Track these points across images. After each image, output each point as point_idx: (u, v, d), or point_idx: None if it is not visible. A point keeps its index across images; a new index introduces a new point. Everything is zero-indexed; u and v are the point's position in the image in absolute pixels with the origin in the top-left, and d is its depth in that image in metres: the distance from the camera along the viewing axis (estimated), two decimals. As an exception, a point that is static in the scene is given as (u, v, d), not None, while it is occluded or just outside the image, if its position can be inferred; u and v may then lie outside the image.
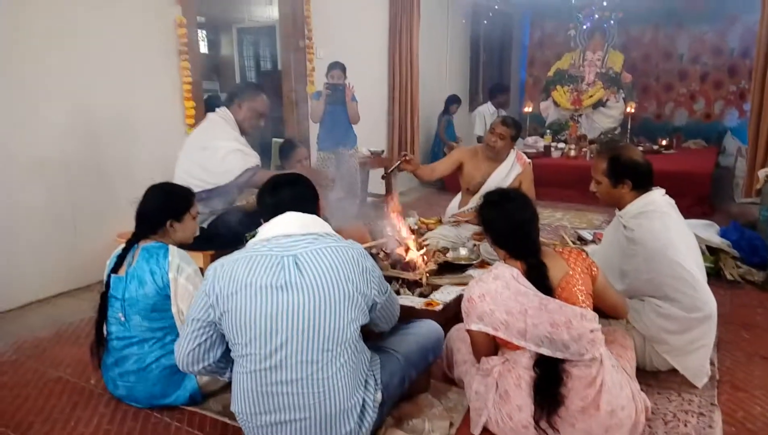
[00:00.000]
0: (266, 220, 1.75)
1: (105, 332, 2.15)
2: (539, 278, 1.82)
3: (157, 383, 2.09)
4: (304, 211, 1.74)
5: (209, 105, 3.96)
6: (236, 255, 1.69)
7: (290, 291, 1.59)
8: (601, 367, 1.79)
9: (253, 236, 1.75)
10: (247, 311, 1.60)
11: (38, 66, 3.26)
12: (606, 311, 1.89)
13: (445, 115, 7.24)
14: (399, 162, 3.45)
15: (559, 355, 1.77)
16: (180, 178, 3.03)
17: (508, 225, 1.89)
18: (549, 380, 1.77)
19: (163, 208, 2.15)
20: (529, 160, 3.65)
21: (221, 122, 3.04)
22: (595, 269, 1.93)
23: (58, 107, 3.37)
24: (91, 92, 3.53)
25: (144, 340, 2.09)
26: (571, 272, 1.85)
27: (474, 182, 3.63)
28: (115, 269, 2.12)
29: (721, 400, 2.18)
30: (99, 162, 3.60)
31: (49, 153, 3.35)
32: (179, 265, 2.07)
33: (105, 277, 2.14)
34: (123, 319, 2.09)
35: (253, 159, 2.99)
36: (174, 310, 2.07)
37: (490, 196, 2.00)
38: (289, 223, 1.70)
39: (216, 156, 2.92)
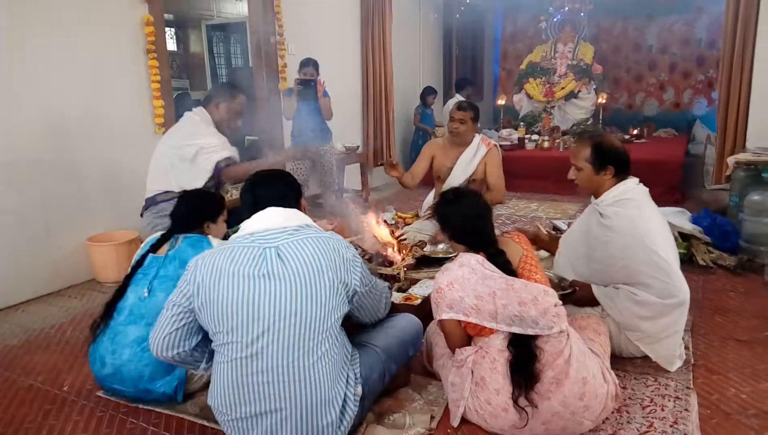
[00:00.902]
0: (248, 216, 1.77)
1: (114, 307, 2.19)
2: (502, 265, 1.91)
3: (149, 364, 2.06)
4: (285, 205, 1.77)
5: (179, 103, 3.90)
6: (218, 248, 1.72)
7: (272, 279, 1.62)
8: (568, 339, 1.86)
9: (236, 232, 1.77)
10: (230, 299, 1.61)
11: (5, 67, 3.18)
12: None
13: (422, 108, 7.28)
14: (389, 166, 3.55)
15: (530, 331, 1.83)
16: (155, 177, 2.99)
17: (463, 221, 1.98)
18: (524, 358, 1.81)
19: (201, 211, 2.33)
20: (495, 143, 3.68)
21: (195, 121, 3.04)
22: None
23: (26, 108, 3.28)
24: (60, 93, 3.45)
25: (152, 322, 2.05)
26: (525, 252, 1.96)
27: (444, 169, 3.66)
28: (153, 250, 2.22)
29: (697, 384, 2.22)
30: (70, 163, 3.52)
31: (18, 155, 3.26)
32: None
33: (137, 258, 2.23)
34: (147, 294, 2.12)
35: (225, 153, 3.00)
36: None
37: (445, 195, 2.10)
38: (270, 218, 1.73)
39: (186, 153, 2.93)
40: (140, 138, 3.85)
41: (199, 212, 2.33)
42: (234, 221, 1.99)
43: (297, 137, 4.83)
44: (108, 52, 3.71)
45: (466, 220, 1.98)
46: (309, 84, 4.65)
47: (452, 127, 3.59)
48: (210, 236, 2.28)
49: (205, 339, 1.77)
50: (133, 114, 3.89)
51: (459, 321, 1.89)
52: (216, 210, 2.39)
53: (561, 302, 1.90)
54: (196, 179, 2.94)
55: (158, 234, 2.29)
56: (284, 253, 1.64)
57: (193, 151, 2.94)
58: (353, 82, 6.51)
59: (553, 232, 4.02)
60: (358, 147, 6.00)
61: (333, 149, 5.08)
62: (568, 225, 4.18)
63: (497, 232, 2.07)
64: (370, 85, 6.58)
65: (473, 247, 1.97)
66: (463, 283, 1.86)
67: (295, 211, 1.77)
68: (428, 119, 7.36)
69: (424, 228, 3.65)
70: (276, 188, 1.82)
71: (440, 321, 1.94)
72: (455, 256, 3.06)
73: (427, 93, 7.30)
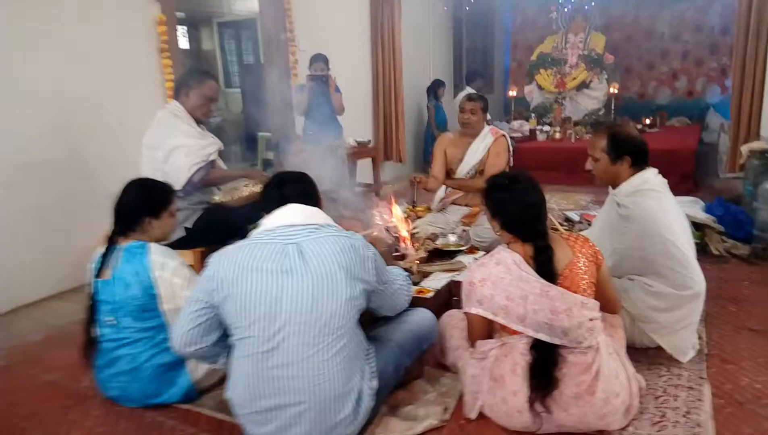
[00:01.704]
0: (269, 212, 1.79)
1: (95, 334, 2.13)
2: (545, 262, 1.81)
3: (150, 382, 2.08)
4: (306, 203, 1.80)
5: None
6: (240, 243, 1.73)
7: (293, 275, 1.64)
8: (597, 354, 1.80)
9: (256, 227, 1.78)
10: (252, 294, 1.63)
11: (18, 69, 3.21)
12: (600, 302, 1.88)
13: (434, 101, 7.24)
14: (413, 189, 3.53)
15: (556, 341, 1.78)
16: None
17: (520, 208, 1.86)
18: (545, 363, 1.78)
19: (140, 204, 2.11)
20: (504, 133, 3.67)
21: (169, 118, 2.88)
22: (601, 257, 1.92)
23: (40, 108, 3.32)
24: (74, 94, 3.48)
25: (136, 340, 2.07)
26: (574, 260, 1.84)
27: (455, 160, 3.67)
28: (99, 273, 2.09)
29: (710, 374, 2.20)
30: (85, 163, 3.55)
31: (34, 155, 3.30)
32: (162, 263, 2.05)
33: (91, 282, 2.11)
34: (114, 322, 2.07)
35: (199, 155, 2.83)
36: (162, 308, 2.06)
37: (497, 180, 1.97)
38: (292, 214, 1.75)
39: (161, 156, 2.79)
40: (154, 136, 3.89)
41: (136, 205, 2.09)
42: (242, 221, 1.96)
43: (309, 133, 4.84)
44: (121, 52, 3.74)
45: (524, 208, 1.86)
46: (320, 80, 4.65)
47: (463, 119, 3.59)
48: (152, 244, 2.08)
49: (226, 334, 1.79)
50: (147, 113, 3.89)
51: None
52: (159, 202, 2.14)
53: (599, 317, 1.82)
54: (174, 183, 2.76)
55: (100, 251, 2.11)
56: (305, 250, 1.66)
57: (163, 154, 2.78)
58: (363, 76, 6.50)
59: (565, 224, 4.01)
60: (369, 141, 6.00)
61: (344, 144, 5.08)
62: (581, 216, 4.17)
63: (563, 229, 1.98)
64: (380, 79, 6.56)
65: (524, 238, 1.87)
66: (496, 282, 1.82)
67: (317, 209, 1.81)
68: (441, 114, 7.32)
69: (436, 221, 3.65)
70: (302, 187, 1.85)
71: (467, 312, 1.93)
72: (467, 249, 3.07)
73: (437, 86, 7.26)
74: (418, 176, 3.54)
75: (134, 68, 3.82)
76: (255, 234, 1.75)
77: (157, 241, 2.15)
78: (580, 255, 1.86)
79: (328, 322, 1.63)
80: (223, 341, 1.81)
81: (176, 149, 2.78)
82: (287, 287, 1.62)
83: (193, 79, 2.92)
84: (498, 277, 1.82)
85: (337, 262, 1.66)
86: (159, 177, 2.58)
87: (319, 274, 1.64)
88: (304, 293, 1.62)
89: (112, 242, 2.11)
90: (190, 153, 2.80)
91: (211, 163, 2.92)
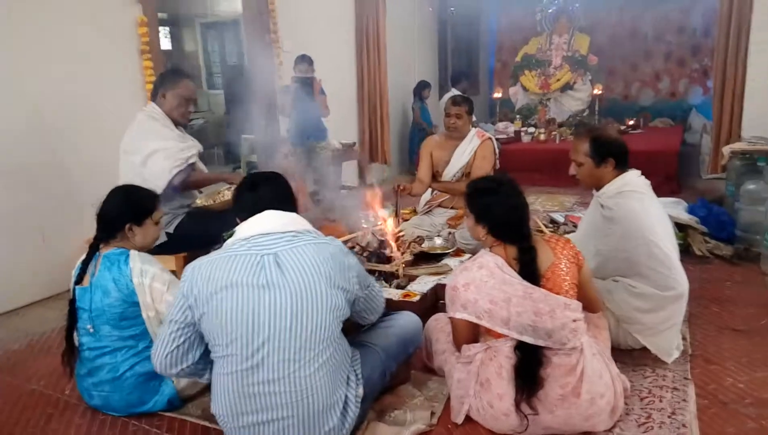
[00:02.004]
0: (243, 219, 1.74)
1: (76, 342, 2.11)
2: (528, 263, 1.83)
3: (133, 391, 2.06)
4: (282, 210, 1.73)
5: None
6: (214, 255, 1.67)
7: (271, 289, 1.59)
8: (581, 355, 1.82)
9: (231, 236, 1.73)
10: (229, 311, 1.59)
11: (-7, 70, 3.17)
12: (582, 302, 1.91)
13: (419, 102, 7.28)
14: (397, 196, 3.47)
15: (541, 343, 1.80)
16: None
17: (506, 211, 1.88)
18: (529, 364, 1.80)
19: (122, 210, 2.09)
20: (490, 136, 3.69)
21: (146, 121, 2.86)
22: (582, 258, 1.94)
23: (16, 110, 3.27)
24: (52, 95, 3.43)
25: (116, 349, 2.05)
26: (556, 261, 1.86)
27: (441, 163, 3.69)
28: (79, 279, 2.07)
29: (694, 374, 2.24)
30: (64, 167, 3.51)
31: (12, 159, 3.26)
32: (142, 269, 2.03)
33: (71, 288, 2.10)
34: (92, 330, 2.05)
35: (178, 158, 2.80)
36: (144, 315, 2.04)
37: (481, 184, 1.98)
38: (268, 222, 1.69)
39: (139, 160, 2.76)
40: (136, 139, 3.85)
41: (119, 212, 2.08)
42: (226, 225, 1.91)
43: (294, 135, 4.84)
44: (101, 54, 3.70)
45: (509, 211, 1.87)
46: (305, 82, 4.65)
47: (449, 123, 3.61)
48: (133, 251, 2.07)
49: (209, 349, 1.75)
50: (127, 116, 3.85)
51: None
52: (142, 209, 2.12)
53: (581, 317, 1.84)
54: (154, 188, 2.75)
55: (81, 259, 2.10)
56: (283, 260, 1.62)
57: (141, 158, 2.75)
58: (348, 78, 6.50)
59: (550, 226, 4.05)
60: (354, 143, 6.00)
61: (329, 146, 5.08)
62: (565, 218, 4.20)
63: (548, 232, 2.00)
64: (365, 80, 6.57)
65: (510, 241, 1.88)
66: (480, 286, 1.83)
67: (294, 215, 1.75)
68: (426, 114, 7.36)
69: (422, 224, 3.66)
70: (276, 189, 1.79)
71: (451, 317, 1.94)
72: (453, 251, 3.09)
73: (422, 87, 7.29)
74: (402, 183, 3.50)
75: (115, 70, 3.79)
76: (229, 243, 1.71)
77: (140, 249, 2.12)
78: (561, 256, 1.88)
79: (310, 336, 1.60)
80: (206, 357, 1.76)
81: (155, 153, 2.76)
82: (266, 303, 1.58)
83: (169, 79, 2.90)
84: (481, 281, 1.83)
85: (318, 271, 1.63)
86: (138, 182, 2.56)
87: (299, 287, 1.60)
88: (283, 308, 1.58)
89: (93, 249, 2.09)
90: (168, 156, 2.78)
91: (191, 166, 2.89)
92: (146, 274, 2.03)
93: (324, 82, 4.81)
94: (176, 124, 2.93)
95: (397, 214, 3.54)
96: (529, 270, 1.83)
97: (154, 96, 2.92)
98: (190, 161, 2.87)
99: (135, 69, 3.91)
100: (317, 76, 4.72)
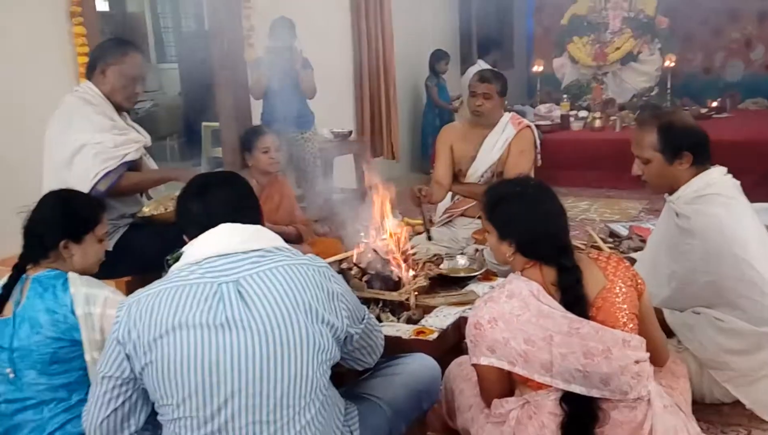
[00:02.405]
0: (192, 237, 1.72)
1: None
2: (572, 287, 1.82)
3: None
4: (243, 221, 1.72)
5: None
6: (156, 287, 1.63)
7: (234, 330, 1.56)
8: (649, 408, 1.80)
9: (177, 260, 1.70)
10: (179, 362, 1.55)
11: None
12: None
13: (435, 79, 7.31)
14: (421, 206, 3.49)
15: (595, 393, 1.77)
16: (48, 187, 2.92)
17: (536, 220, 1.88)
18: (581, 423, 1.78)
19: (56, 223, 2.09)
20: (529, 124, 3.70)
21: (78, 105, 2.86)
22: (641, 282, 1.93)
23: None
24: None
25: (42, 402, 2.03)
26: (609, 286, 1.85)
27: (465, 160, 3.68)
28: None
29: (804, 437, 2.22)
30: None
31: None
32: (88, 295, 2.02)
33: None
34: (12, 375, 2.02)
35: (111, 155, 2.79)
36: (88, 357, 2.02)
37: (500, 188, 1.99)
38: (225, 239, 1.67)
39: (62, 157, 2.76)
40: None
41: (52, 225, 2.07)
42: (174, 241, 1.89)
43: (269, 122, 4.85)
44: (18, 19, 3.72)
45: (540, 220, 1.89)
46: (285, 53, 4.67)
47: (474, 106, 3.60)
48: (72, 274, 2.06)
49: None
50: (53, 98, 3.87)
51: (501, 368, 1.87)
52: (82, 222, 2.13)
53: (646, 358, 1.82)
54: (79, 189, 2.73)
55: (1, 282, 2.08)
56: (248, 290, 1.59)
57: (67, 155, 2.75)
58: (341, 47, 6.53)
59: (610, 241, 4.04)
60: (350, 132, 6.02)
61: (316, 136, 5.09)
62: (630, 230, 4.19)
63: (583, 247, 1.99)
64: (364, 51, 6.60)
65: (544, 260, 1.88)
66: (510, 321, 1.81)
67: (258, 228, 1.73)
68: (445, 94, 7.38)
69: (440, 238, 3.65)
70: (232, 194, 1.78)
71: (476, 364, 1.93)
72: (482, 274, 3.08)
73: (437, 58, 7.31)
74: (422, 188, 3.48)
75: (35, 39, 3.81)
76: (175, 270, 1.68)
77: (80, 271, 2.11)
78: (615, 278, 1.87)
79: (289, 389, 1.57)
80: (154, 420, 1.71)
81: (84, 148, 2.76)
82: (227, 347, 1.55)
83: (110, 52, 2.90)
84: (512, 315, 1.82)
85: (294, 302, 1.59)
86: (51, 179, 2.62)
87: (271, 324, 1.56)
88: (251, 354, 1.55)
89: (19, 270, 2.08)
90: (98, 153, 2.78)
91: (126, 166, 2.88)
92: (94, 301, 2.02)
93: (309, 54, 4.82)
94: (119, 109, 2.94)
95: (428, 234, 3.48)
96: (573, 297, 1.81)
97: (90, 72, 2.93)
98: (126, 159, 2.87)
99: (63, 37, 3.93)
100: (299, 45, 4.74)
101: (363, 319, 1.82)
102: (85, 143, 2.76)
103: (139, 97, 3.04)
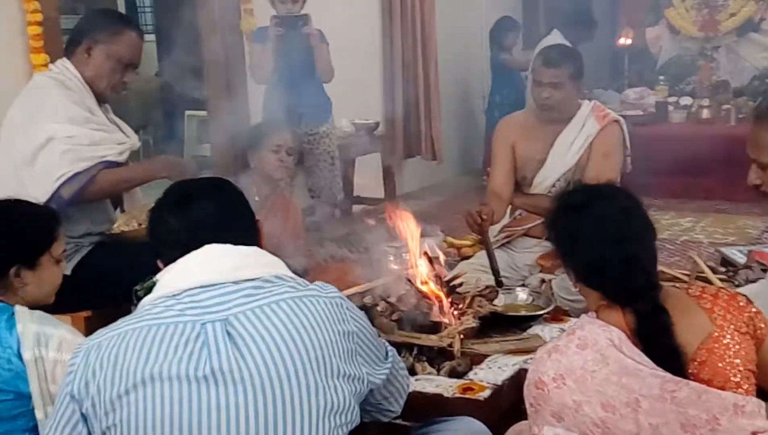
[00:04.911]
0: (169, 261, 1.74)
1: None
2: (658, 340, 1.81)
3: None
4: (235, 241, 1.73)
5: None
6: (122, 326, 1.64)
7: (222, 384, 1.56)
8: None
9: (149, 290, 1.73)
10: (150, 425, 1.55)
11: None
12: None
13: (501, 54, 7.27)
14: (485, 235, 3.42)
15: None
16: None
17: (601, 242, 1.88)
18: None
19: (1, 244, 2.14)
20: (616, 117, 3.68)
21: (49, 88, 2.93)
22: (762, 326, 1.91)
23: None
24: None
25: None
26: (716, 333, 1.83)
27: (531, 164, 3.66)
28: None
29: None
30: None
31: None
32: (39, 334, 2.06)
33: None
34: None
35: (84, 155, 2.85)
36: (40, 415, 2.05)
37: (566, 196, 2.02)
38: (212, 264, 1.69)
39: (23, 152, 2.82)
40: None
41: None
42: (144, 270, 1.89)
43: (273, 111, 4.88)
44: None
45: (605, 246, 1.87)
46: (295, 23, 4.70)
47: (541, 98, 3.55)
48: (20, 307, 2.10)
49: None
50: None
51: None
52: (36, 242, 2.20)
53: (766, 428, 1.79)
54: (38, 196, 2.74)
55: None
56: (240, 332, 1.59)
57: (29, 152, 2.83)
58: (367, 19, 6.59)
59: (721, 270, 3.99)
60: (377, 124, 6.05)
61: (334, 131, 5.13)
62: (749, 256, 4.14)
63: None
64: (397, 20, 6.65)
65: (616, 297, 1.89)
66: (583, 380, 1.81)
67: (254, 250, 1.75)
68: (514, 78, 7.29)
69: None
70: (223, 208, 1.80)
71: None
72: (549, 313, 3.06)
73: (503, 29, 7.30)
74: (483, 209, 3.38)
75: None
76: (147, 304, 1.69)
77: (33, 302, 2.17)
78: (725, 323, 1.85)
79: None
80: None
81: (51, 142, 2.81)
82: (212, 407, 1.55)
83: (101, 27, 2.98)
84: (585, 371, 1.81)
85: (301, 347, 1.59)
86: (13, 190, 2.61)
87: (268, 376, 1.56)
88: (242, 415, 1.55)
89: None
90: (70, 150, 2.84)
91: (100, 169, 2.92)
92: (47, 342, 2.06)
93: (325, 26, 4.86)
94: (100, 99, 3.02)
95: (498, 275, 3.42)
96: (662, 349, 1.81)
97: (72, 49, 3.01)
98: (103, 161, 2.92)
99: (10, 4, 4.02)
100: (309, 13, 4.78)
101: (387, 357, 1.84)
102: (53, 136, 2.82)
103: (126, 87, 3.12)
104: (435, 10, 6.88)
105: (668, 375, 1.77)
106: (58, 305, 2.82)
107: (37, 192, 2.74)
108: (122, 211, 3.15)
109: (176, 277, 1.69)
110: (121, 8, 9.25)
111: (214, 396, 1.55)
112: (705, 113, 6.96)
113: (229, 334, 1.59)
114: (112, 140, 2.96)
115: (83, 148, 2.87)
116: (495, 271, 3.33)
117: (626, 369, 1.79)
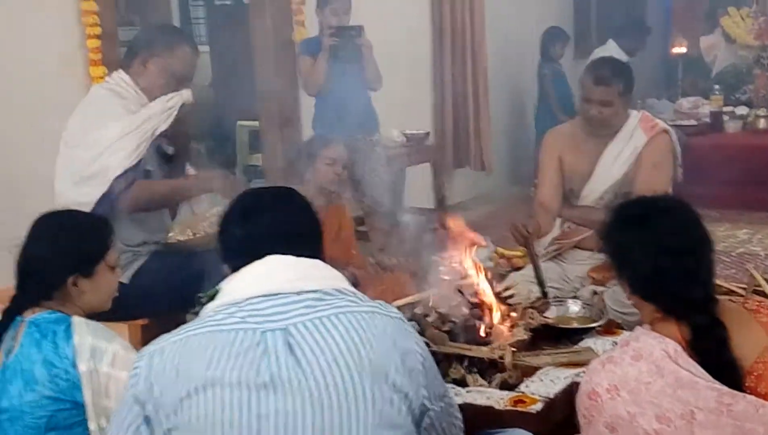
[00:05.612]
0: (234, 269, 1.76)
1: None
2: (715, 353, 1.80)
3: None
4: (299, 253, 1.74)
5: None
6: (184, 332, 1.67)
7: (280, 391, 1.58)
8: None
9: (212, 298, 1.75)
10: (210, 428, 1.58)
11: None
12: None
13: (550, 66, 7.26)
14: (531, 248, 3.44)
15: None
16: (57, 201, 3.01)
17: (657, 255, 1.87)
18: None
19: (59, 255, 2.16)
20: (666, 128, 3.64)
21: (105, 98, 3.01)
22: None
23: None
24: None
25: None
26: None
27: (577, 177, 3.64)
28: None
29: None
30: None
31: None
32: (94, 347, 2.07)
33: None
34: None
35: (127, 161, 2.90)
36: (93, 426, 2.07)
37: (625, 210, 2.01)
38: (273, 274, 1.71)
39: (82, 161, 2.88)
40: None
41: (54, 258, 2.15)
42: (200, 278, 1.91)
43: (323, 123, 4.91)
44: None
45: (660, 257, 1.86)
46: (349, 34, 4.72)
47: (590, 114, 3.53)
48: (77, 318, 2.12)
49: None
50: (53, 89, 4.01)
51: None
52: (92, 250, 2.22)
53: None
54: (93, 194, 2.86)
55: None
56: (299, 341, 1.61)
57: (90, 156, 2.89)
58: (418, 30, 6.59)
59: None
60: (426, 135, 6.06)
61: (383, 141, 5.15)
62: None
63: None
64: (446, 32, 6.67)
65: (673, 310, 1.88)
66: (638, 391, 1.80)
67: (315, 262, 1.75)
68: (562, 85, 7.24)
69: (546, 276, 3.63)
70: (288, 217, 1.82)
71: None
72: (602, 325, 3.04)
73: (552, 38, 7.28)
74: (528, 223, 3.41)
75: (34, 19, 3.97)
76: (209, 311, 1.71)
77: (90, 311, 2.19)
78: None
79: None
80: None
81: (118, 142, 2.87)
82: (270, 413, 1.57)
83: (159, 41, 3.04)
84: (639, 383, 1.80)
85: (358, 359, 1.61)
86: (73, 201, 2.69)
87: (326, 386, 1.58)
88: (299, 423, 1.56)
89: (13, 312, 2.15)
90: (123, 154, 2.89)
91: (143, 171, 2.99)
92: (101, 356, 2.07)
93: (372, 33, 4.85)
94: None
95: (544, 288, 3.40)
96: (718, 363, 1.79)
97: (128, 61, 3.07)
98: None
99: (69, 14, 4.10)
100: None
101: (443, 396, 1.83)
102: (116, 138, 2.88)
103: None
104: (485, 20, 6.87)
105: (725, 388, 1.75)
106: (115, 313, 2.87)
107: (96, 191, 2.82)
108: (172, 218, 3.19)
109: (239, 285, 1.71)
110: (176, 20, 9.36)
111: (273, 403, 1.57)
112: (762, 123, 6.88)
113: (288, 343, 1.61)
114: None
115: (133, 152, 2.92)
116: (541, 283, 3.33)
117: (682, 381, 1.78)
